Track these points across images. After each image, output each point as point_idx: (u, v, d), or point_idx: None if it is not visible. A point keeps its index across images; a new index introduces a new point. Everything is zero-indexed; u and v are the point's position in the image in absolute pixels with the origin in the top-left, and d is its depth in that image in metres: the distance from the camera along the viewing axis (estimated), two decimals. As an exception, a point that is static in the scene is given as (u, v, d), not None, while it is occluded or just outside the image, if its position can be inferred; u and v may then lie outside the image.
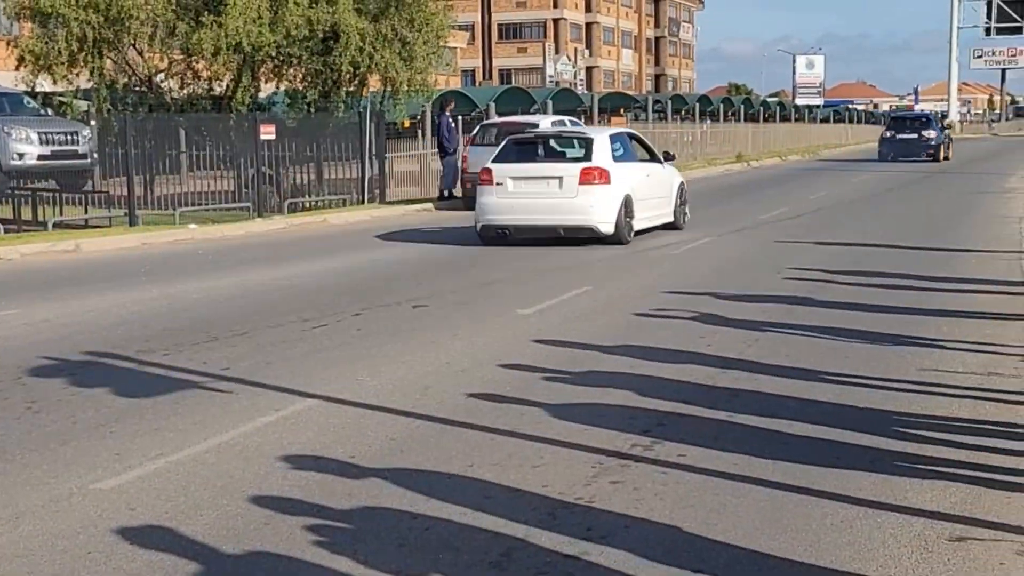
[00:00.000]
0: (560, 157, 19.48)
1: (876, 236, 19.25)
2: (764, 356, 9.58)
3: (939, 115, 65.21)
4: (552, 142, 20.07)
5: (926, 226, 21.02)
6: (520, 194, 18.40)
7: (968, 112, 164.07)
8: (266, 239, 21.29)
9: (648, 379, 8.78)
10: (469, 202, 26.50)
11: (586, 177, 18.13)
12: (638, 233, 18.98)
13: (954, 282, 13.86)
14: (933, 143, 48.92)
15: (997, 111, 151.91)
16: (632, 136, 21.46)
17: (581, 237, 18.18)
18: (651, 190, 19.85)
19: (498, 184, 18.43)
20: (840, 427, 7.32)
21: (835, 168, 45.39)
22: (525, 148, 19.30)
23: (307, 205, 26.45)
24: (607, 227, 18.10)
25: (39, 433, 7.54)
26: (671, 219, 20.68)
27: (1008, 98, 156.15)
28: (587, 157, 18.60)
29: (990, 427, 7.37)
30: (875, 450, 6.84)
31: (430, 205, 27.61)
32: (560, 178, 18.29)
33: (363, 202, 27.31)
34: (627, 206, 18.50)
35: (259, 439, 7.33)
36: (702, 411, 7.81)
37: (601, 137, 19.31)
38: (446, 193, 28.39)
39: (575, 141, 19.76)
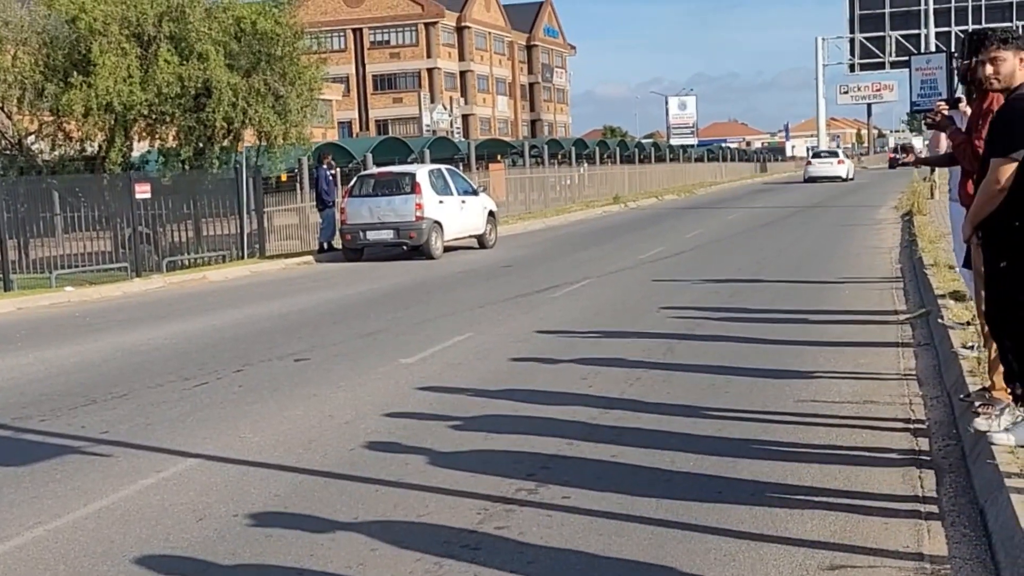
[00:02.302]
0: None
1: (752, 271, 19.56)
2: (645, 394, 9.68)
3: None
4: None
5: (800, 259, 21.41)
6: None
7: (837, 146, 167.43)
8: (145, 299, 21.01)
9: (532, 422, 8.82)
10: (349, 254, 26.59)
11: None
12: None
13: (829, 313, 14.14)
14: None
15: (865, 144, 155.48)
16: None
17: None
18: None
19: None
20: (722, 462, 7.42)
21: (710, 206, 46.07)
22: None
23: (186, 263, 26.19)
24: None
25: (-88, 507, 7.36)
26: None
27: (875, 131, 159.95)
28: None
29: (866, 454, 7.52)
30: (755, 482, 6.94)
31: (310, 258, 27.50)
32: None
33: (243, 257, 27.11)
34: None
35: (140, 502, 7.23)
36: (586, 452, 7.87)
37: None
38: (325, 245, 28.31)
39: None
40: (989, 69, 6.79)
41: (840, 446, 7.74)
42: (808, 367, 10.58)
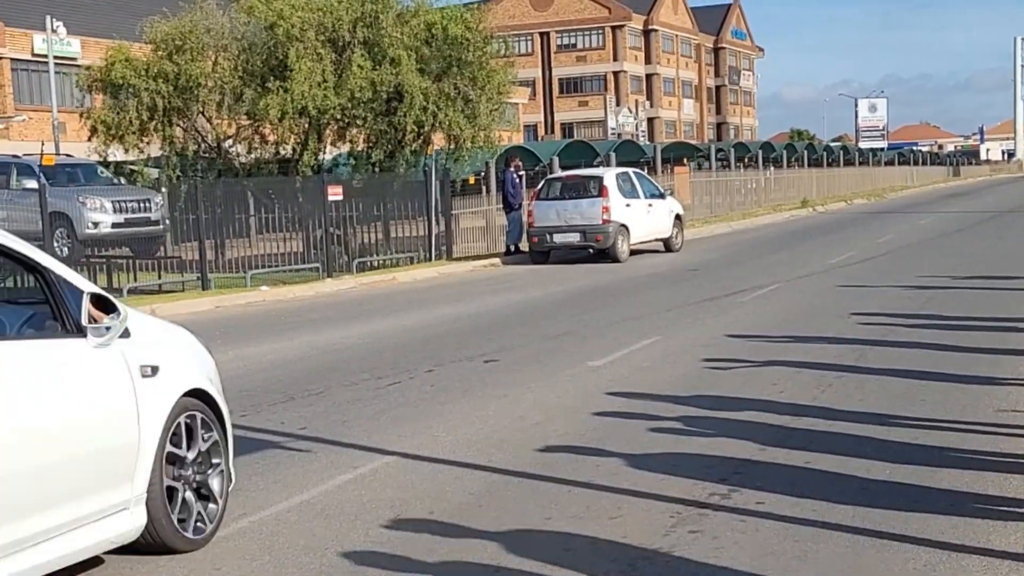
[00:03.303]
0: None
1: (946, 277, 19.11)
2: (838, 401, 9.56)
3: None
4: None
5: (998, 265, 20.84)
6: None
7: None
8: (336, 299, 21.48)
9: (722, 426, 8.79)
10: (535, 256, 26.74)
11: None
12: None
13: (1028, 322, 13.74)
14: None
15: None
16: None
17: None
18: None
19: None
20: (918, 470, 7.29)
21: (901, 211, 45.14)
22: None
23: (375, 264, 26.66)
24: None
25: (123, 496, 7.65)
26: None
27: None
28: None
29: (1071, 467, 7.31)
30: (955, 492, 6.81)
31: (497, 260, 27.75)
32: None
33: (430, 259, 27.49)
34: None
35: (339, 497, 7.41)
36: (778, 458, 7.82)
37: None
38: (512, 248, 28.53)
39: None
40: None
41: (1043, 458, 7.54)
42: (1008, 375, 10.33)
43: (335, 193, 25.12)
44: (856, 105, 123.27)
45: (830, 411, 9.18)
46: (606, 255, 26.11)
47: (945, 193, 63.46)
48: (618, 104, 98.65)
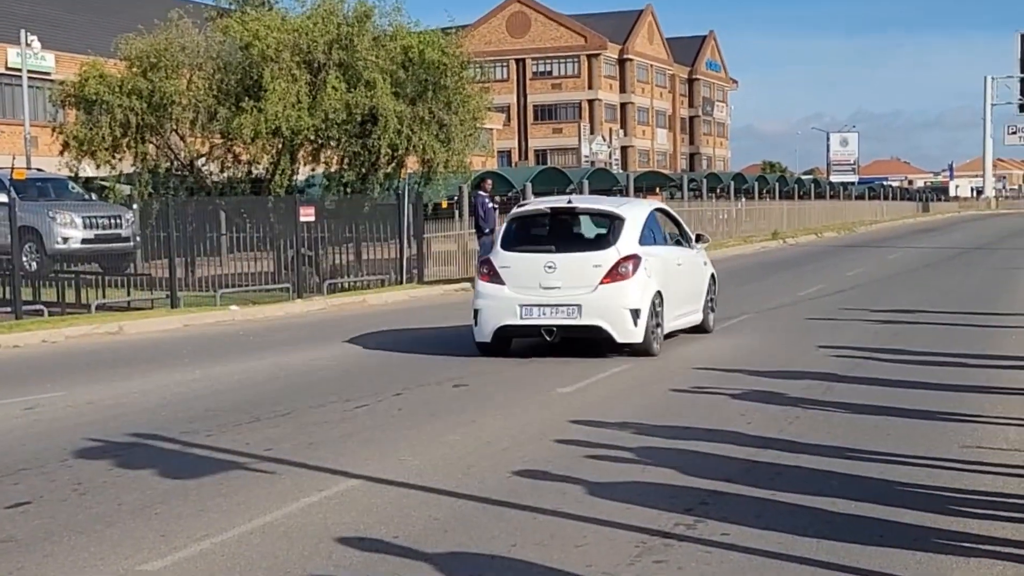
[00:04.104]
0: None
1: (914, 312, 19.22)
2: (804, 434, 9.58)
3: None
4: None
5: (965, 302, 20.96)
6: None
7: (1003, 188, 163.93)
8: (306, 320, 21.42)
9: (689, 457, 8.80)
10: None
11: None
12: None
13: (995, 358, 13.83)
14: None
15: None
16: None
17: None
18: None
19: None
20: (884, 504, 7.31)
21: (871, 245, 45.37)
22: None
23: (346, 285, 26.61)
24: None
25: (85, 515, 7.60)
26: None
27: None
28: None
29: (1035, 504, 7.34)
30: (920, 528, 6.82)
31: (468, 285, 27.68)
32: None
33: (401, 282, 27.45)
34: None
35: (303, 519, 7.37)
36: (744, 489, 7.82)
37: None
38: (483, 272, 28.45)
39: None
40: None
41: (1008, 494, 7.56)
42: (973, 412, 10.36)
43: (307, 214, 25.07)
44: (828, 139, 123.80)
45: (797, 444, 9.19)
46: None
47: (914, 228, 63.82)
48: (592, 132, 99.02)
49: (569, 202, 16.66)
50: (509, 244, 15.54)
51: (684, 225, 18.23)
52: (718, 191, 59.71)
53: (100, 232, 25.17)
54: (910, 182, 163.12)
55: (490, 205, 28.77)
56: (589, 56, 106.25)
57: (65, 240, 24.61)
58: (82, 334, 18.89)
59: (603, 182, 52.48)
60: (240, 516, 7.47)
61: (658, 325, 15.07)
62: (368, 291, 26.05)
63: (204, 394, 12.60)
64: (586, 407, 11.11)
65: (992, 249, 39.93)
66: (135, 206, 26.57)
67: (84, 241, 24.96)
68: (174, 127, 28.01)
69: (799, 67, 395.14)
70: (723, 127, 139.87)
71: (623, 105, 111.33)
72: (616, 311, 14.56)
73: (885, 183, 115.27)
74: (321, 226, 26.12)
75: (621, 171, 76.30)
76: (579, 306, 14.63)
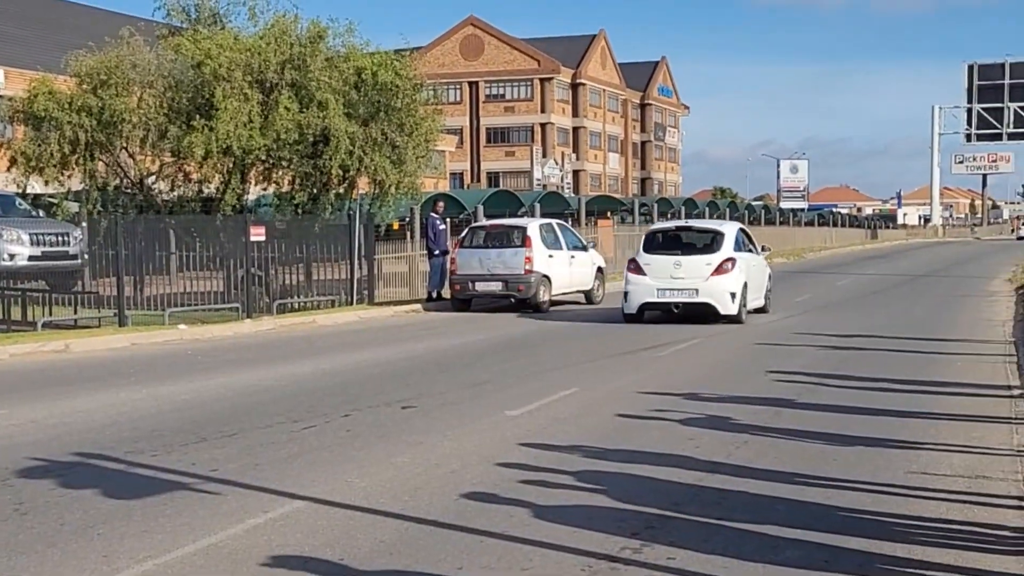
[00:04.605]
0: None
1: (862, 339, 19.34)
2: (752, 459, 9.61)
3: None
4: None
5: (911, 329, 21.11)
6: None
7: (950, 216, 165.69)
8: (255, 340, 21.31)
9: (637, 481, 8.80)
10: (457, 303, 26.75)
11: None
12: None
13: (940, 385, 13.93)
14: None
15: (979, 215, 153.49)
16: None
17: None
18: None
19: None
20: (829, 530, 7.33)
21: (820, 271, 45.63)
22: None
23: (296, 306, 26.51)
24: None
25: (26, 535, 7.51)
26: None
27: (989, 202, 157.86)
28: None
29: (979, 530, 7.39)
30: (864, 553, 6.85)
31: (419, 306, 27.69)
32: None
33: (352, 303, 27.38)
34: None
35: (248, 541, 7.31)
36: (692, 513, 7.83)
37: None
38: (434, 294, 28.48)
39: None
40: None
41: (952, 520, 7.61)
42: (918, 438, 10.43)
43: (257, 233, 24.98)
44: (778, 165, 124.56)
45: (744, 468, 9.22)
46: (528, 305, 26.17)
47: (863, 255, 64.26)
48: (544, 155, 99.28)
49: (687, 222, 28.78)
50: (649, 249, 23.91)
51: (754, 239, 26.16)
52: (669, 216, 59.97)
53: (48, 249, 24.91)
54: (859, 209, 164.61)
55: (441, 227, 28.79)
56: (542, 80, 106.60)
57: (12, 257, 24.34)
58: (27, 352, 18.71)
59: (555, 205, 52.55)
60: (184, 537, 7.40)
61: (743, 304, 23.01)
62: (318, 312, 25.96)
63: (150, 414, 12.50)
64: (534, 430, 11.10)
65: (939, 277, 40.30)
66: (83, 223, 26.35)
67: (31, 258, 24.68)
68: (124, 145, 27.85)
69: (750, 94, 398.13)
70: (675, 152, 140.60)
71: (575, 129, 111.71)
72: (721, 293, 22.69)
73: (834, 210, 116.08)
74: (271, 246, 26.04)
75: (573, 195, 76.49)
76: (696, 290, 22.72)
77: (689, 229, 25.37)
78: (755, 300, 24.12)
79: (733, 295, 22.60)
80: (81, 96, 26.99)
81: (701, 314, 22.53)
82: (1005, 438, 10.52)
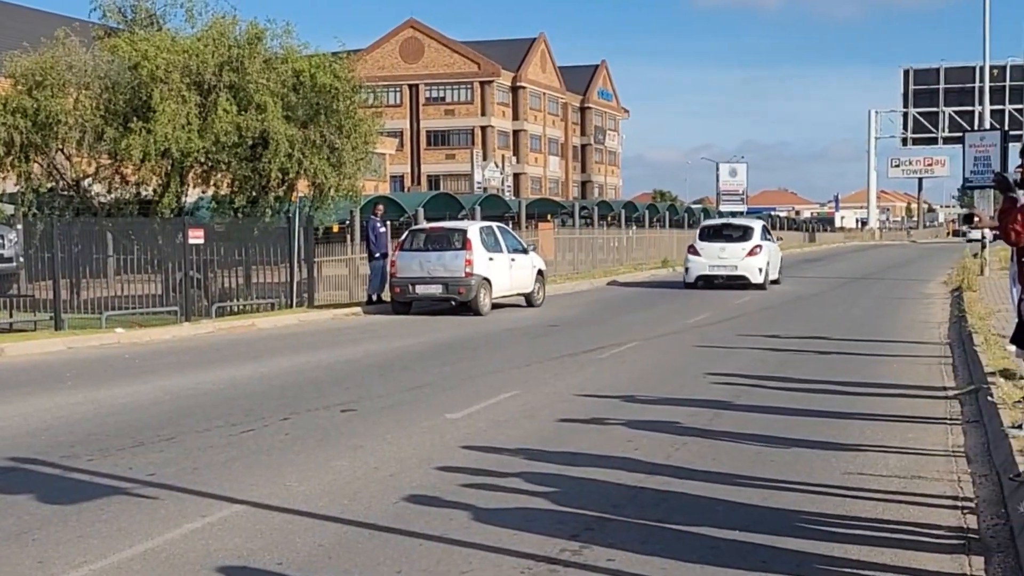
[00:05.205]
0: None
1: (800, 341, 19.49)
2: (691, 460, 9.66)
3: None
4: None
5: (849, 331, 21.29)
6: None
7: (887, 219, 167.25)
8: (194, 343, 21.16)
9: (577, 483, 8.82)
10: (397, 306, 26.69)
11: None
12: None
13: (877, 387, 14.06)
14: None
15: (915, 218, 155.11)
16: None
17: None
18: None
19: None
20: (767, 531, 7.38)
21: (759, 274, 45.86)
22: None
23: (235, 309, 26.36)
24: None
25: (-40, 541, 7.42)
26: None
27: (925, 205, 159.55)
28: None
29: (914, 529, 7.47)
30: (801, 554, 6.90)
31: (358, 309, 27.61)
32: None
33: (292, 306, 27.25)
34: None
35: (185, 546, 7.26)
36: (631, 515, 7.86)
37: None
38: (374, 297, 28.41)
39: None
40: None
41: (887, 520, 7.69)
42: (855, 440, 10.53)
43: (196, 236, 24.82)
44: (717, 169, 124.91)
45: (683, 470, 9.26)
46: (468, 308, 26.15)
47: (801, 258, 64.66)
48: (485, 158, 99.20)
49: (728, 220, 41.10)
50: (702, 238, 35.57)
51: (771, 230, 39.11)
52: (609, 219, 60.17)
53: (-18, 252, 24.62)
54: (797, 212, 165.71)
55: (381, 229, 28.73)
56: (482, 83, 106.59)
57: (-55, 260, 24.04)
58: (-39, 356, 18.47)
59: (495, 208, 52.59)
60: (121, 542, 7.34)
61: (767, 277, 34.32)
62: (258, 315, 25.83)
63: (87, 418, 12.38)
64: (475, 433, 11.10)
65: (876, 279, 40.66)
66: (19, 226, 26.03)
67: (-36, 261, 24.41)
68: (60, 147, 27.54)
69: (689, 97, 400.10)
70: (615, 156, 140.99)
71: (516, 132, 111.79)
72: (752, 269, 33.90)
73: (773, 213, 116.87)
74: (210, 249, 25.88)
75: (513, 198, 76.53)
76: (736, 266, 34.05)
77: (729, 225, 38.12)
78: (773, 275, 35.72)
79: (760, 270, 34.17)
80: (16, 97, 26.67)
81: (737, 285, 33.85)
82: (940, 439, 10.64)
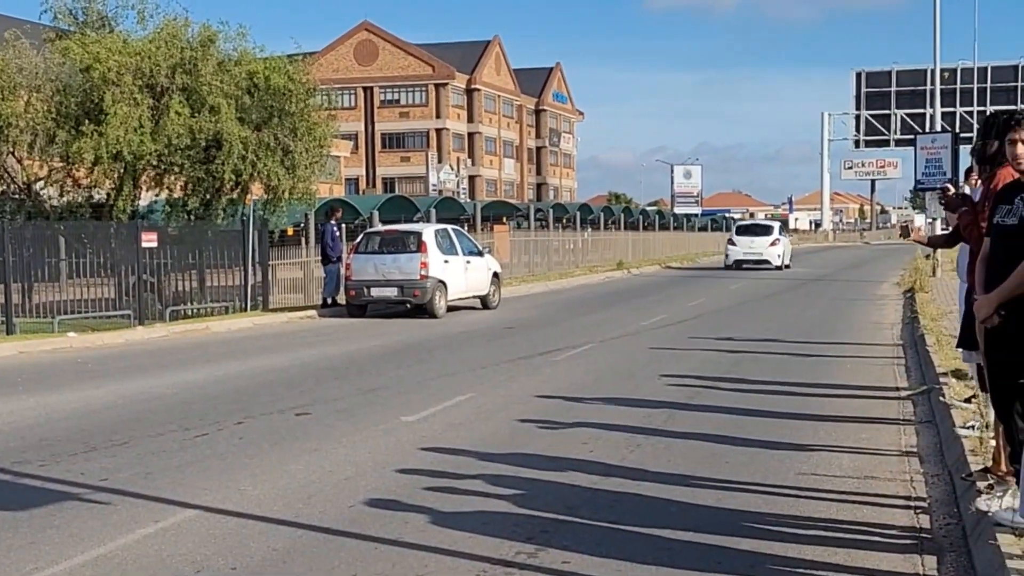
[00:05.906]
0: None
1: (754, 342, 19.57)
2: (645, 462, 9.67)
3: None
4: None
5: (802, 332, 21.41)
6: None
7: (840, 221, 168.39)
8: (147, 347, 21.02)
9: (532, 485, 8.82)
10: (352, 309, 26.62)
11: None
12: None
13: (830, 387, 14.14)
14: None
15: (867, 220, 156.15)
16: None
17: None
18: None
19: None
20: (721, 532, 7.41)
21: (713, 276, 46.11)
22: None
23: (189, 312, 26.21)
24: None
25: (-91, 548, 7.34)
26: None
27: (878, 207, 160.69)
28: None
29: (867, 529, 7.51)
30: (755, 554, 6.93)
31: (313, 312, 27.52)
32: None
33: (246, 309, 27.13)
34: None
35: (138, 551, 7.21)
36: (586, 517, 7.86)
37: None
38: (329, 301, 28.33)
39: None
40: (1020, 149, 6.70)
41: (841, 521, 7.73)
42: (808, 440, 10.58)
43: (149, 240, 24.66)
44: (672, 171, 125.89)
45: (638, 472, 9.28)
46: (423, 310, 26.11)
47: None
48: (440, 161, 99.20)
49: (755, 221, 65.16)
50: (739, 233, 52.47)
51: (786, 228, 60.71)
52: (564, 221, 60.32)
53: (-69, 256, 24.37)
54: (751, 214, 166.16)
55: (337, 233, 28.65)
56: (437, 85, 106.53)
57: None
58: (-90, 361, 18.28)
59: (451, 211, 52.51)
60: (72, 548, 7.29)
61: (783, 261, 50.61)
62: (212, 318, 25.70)
63: (38, 423, 12.28)
64: (430, 436, 11.08)
65: (830, 281, 40.91)
66: (-31, 230, 25.81)
67: (-86, 265, 24.15)
68: (11, 150, 27.29)
69: (644, 100, 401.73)
70: (570, 158, 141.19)
71: (471, 135, 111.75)
72: (773, 256, 50.08)
73: (727, 215, 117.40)
74: (164, 252, 25.71)
75: (469, 200, 76.48)
76: (761, 254, 50.20)
77: (756, 224, 56.55)
78: (787, 260, 51.07)
79: (779, 255, 49.85)
80: (-35, 100, 26.42)
81: (762, 268, 48.94)
82: (893, 439, 10.71)
